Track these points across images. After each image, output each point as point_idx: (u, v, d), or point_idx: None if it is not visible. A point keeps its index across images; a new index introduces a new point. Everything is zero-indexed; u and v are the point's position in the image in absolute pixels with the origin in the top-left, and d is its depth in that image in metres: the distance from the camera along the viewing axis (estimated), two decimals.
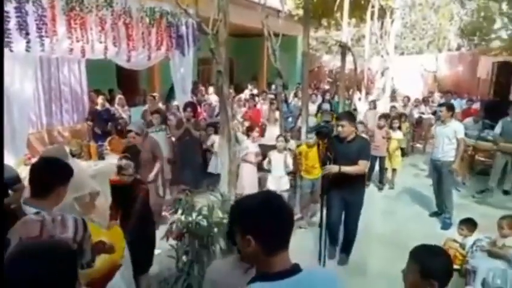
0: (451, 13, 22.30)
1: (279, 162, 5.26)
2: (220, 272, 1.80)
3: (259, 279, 1.29)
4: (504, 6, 18.98)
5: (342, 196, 4.22)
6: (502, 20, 19.73)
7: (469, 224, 4.25)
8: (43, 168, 2.01)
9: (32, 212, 1.75)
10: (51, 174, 1.95)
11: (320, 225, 3.95)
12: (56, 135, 6.32)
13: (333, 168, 3.95)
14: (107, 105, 7.29)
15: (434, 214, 5.83)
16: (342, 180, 4.03)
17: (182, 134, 6.11)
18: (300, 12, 10.94)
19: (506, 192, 6.74)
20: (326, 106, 9.08)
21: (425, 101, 11.90)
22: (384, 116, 7.40)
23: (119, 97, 7.84)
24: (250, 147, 5.56)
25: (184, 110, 6.27)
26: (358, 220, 4.33)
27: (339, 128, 4.12)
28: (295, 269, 1.31)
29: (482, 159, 7.24)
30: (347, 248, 4.47)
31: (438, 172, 5.59)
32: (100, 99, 7.01)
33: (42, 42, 4.39)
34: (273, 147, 5.47)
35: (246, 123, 7.06)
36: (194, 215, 3.60)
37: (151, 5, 5.65)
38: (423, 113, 10.87)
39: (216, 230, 3.56)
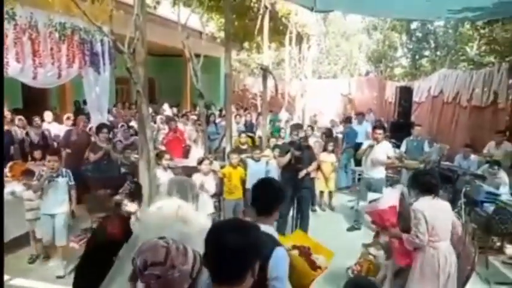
0: (360, 41, 24.62)
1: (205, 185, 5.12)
2: None
3: None
4: (404, 37, 21.53)
5: (295, 194, 5.29)
6: (402, 49, 22.29)
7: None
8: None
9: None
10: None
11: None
12: None
13: (303, 172, 5.24)
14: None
15: (352, 228, 6.16)
16: (299, 181, 5.25)
17: (100, 158, 5.70)
18: (222, 34, 11.12)
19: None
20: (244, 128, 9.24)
21: (345, 121, 12.77)
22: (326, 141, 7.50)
23: (18, 118, 6.96)
24: (161, 177, 4.84)
25: (99, 131, 5.86)
26: (309, 211, 5.61)
27: (296, 137, 5.39)
28: None
29: (391, 175, 7.90)
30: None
31: (370, 189, 5.95)
32: None
33: None
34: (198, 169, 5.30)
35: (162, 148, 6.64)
36: None
37: (62, 20, 5.28)
38: (340, 133, 11.64)
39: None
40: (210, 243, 1.31)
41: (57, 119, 7.57)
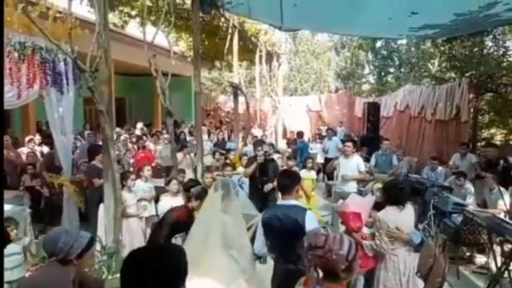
0: (329, 59, 25.31)
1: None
2: None
3: None
4: (370, 55, 22.32)
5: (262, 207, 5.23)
6: (369, 66, 23.06)
7: None
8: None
9: None
10: None
11: None
12: None
13: (270, 186, 5.48)
14: None
15: None
16: (265, 194, 5.53)
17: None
18: (192, 53, 11.13)
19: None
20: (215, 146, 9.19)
21: (316, 137, 12.96)
22: (294, 157, 7.43)
23: None
24: (127, 199, 4.75)
25: (98, 153, 5.64)
26: None
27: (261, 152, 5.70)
28: None
29: (362, 188, 7.97)
30: None
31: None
32: None
33: None
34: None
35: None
36: None
37: (21, 39, 5.07)
38: (311, 148, 11.75)
39: None
40: (129, 269, 1.27)
41: (18, 142, 7.23)
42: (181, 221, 3.69)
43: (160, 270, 1.23)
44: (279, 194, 5.96)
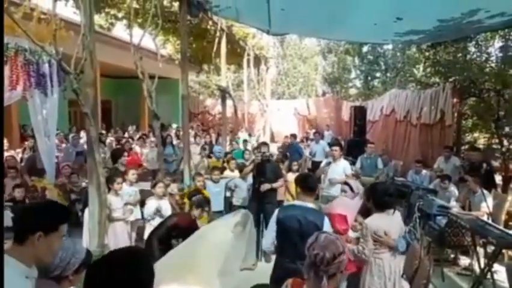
0: (316, 64, 25.53)
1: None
2: None
3: None
4: (356, 60, 22.57)
5: (261, 208, 5.36)
6: (355, 71, 23.33)
7: None
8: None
9: None
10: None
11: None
12: None
13: (267, 186, 5.37)
14: None
15: None
16: (264, 195, 5.42)
17: None
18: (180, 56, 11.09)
19: None
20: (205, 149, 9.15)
21: (302, 140, 13.02)
22: (281, 160, 7.49)
23: None
24: (113, 203, 4.68)
25: (120, 156, 5.64)
26: None
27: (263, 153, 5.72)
28: None
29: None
30: None
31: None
32: None
33: None
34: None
35: None
36: None
37: (4, 41, 4.97)
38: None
39: None
40: (98, 277, 1.26)
41: None
42: (180, 227, 3.67)
43: (123, 277, 1.23)
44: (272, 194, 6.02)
